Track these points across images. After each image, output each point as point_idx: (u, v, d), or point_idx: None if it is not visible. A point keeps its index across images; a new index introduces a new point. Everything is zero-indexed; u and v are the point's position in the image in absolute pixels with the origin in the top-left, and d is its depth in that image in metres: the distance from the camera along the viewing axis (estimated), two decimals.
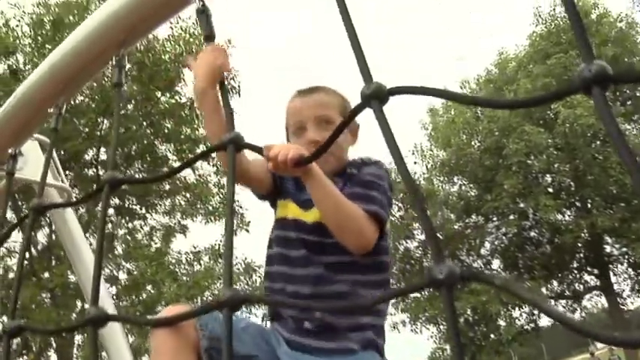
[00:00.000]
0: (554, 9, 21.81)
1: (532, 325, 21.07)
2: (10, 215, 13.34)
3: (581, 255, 21.24)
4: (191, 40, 14.78)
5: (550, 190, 20.57)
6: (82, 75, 1.24)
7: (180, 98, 15.60)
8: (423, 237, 22.81)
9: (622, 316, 20.24)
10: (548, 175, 20.77)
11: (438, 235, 21.87)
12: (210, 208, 16.07)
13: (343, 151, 1.86)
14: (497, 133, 20.64)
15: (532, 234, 21.66)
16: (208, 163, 15.27)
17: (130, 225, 16.52)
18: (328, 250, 1.67)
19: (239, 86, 15.59)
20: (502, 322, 20.04)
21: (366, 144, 2.01)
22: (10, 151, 1.48)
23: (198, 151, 14.69)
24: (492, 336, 20.25)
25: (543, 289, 20.99)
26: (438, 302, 18.64)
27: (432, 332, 22.02)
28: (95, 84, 13.16)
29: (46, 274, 13.95)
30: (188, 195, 16.30)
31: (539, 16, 22.29)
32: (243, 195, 12.17)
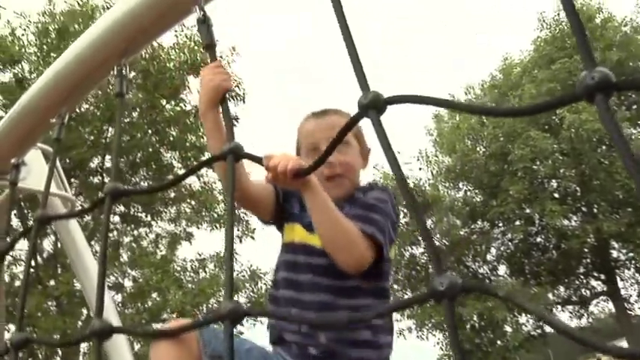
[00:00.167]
0: (558, 14, 21.79)
1: (539, 331, 20.97)
2: (15, 223, 13.39)
3: (588, 260, 21.16)
4: (196, 48, 14.82)
5: (556, 195, 20.50)
6: (84, 84, 1.24)
7: (185, 106, 15.64)
8: None
9: (629, 321, 20.13)
10: (553, 181, 20.70)
11: (444, 241, 21.89)
12: (216, 215, 16.08)
13: (357, 175, 1.86)
14: (503, 138, 20.60)
15: (538, 239, 21.59)
16: (213, 171, 15.28)
17: (135, 232, 16.56)
18: (334, 274, 1.65)
19: (244, 94, 15.62)
20: (508, 329, 19.94)
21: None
22: (13, 160, 1.48)
23: (204, 158, 14.71)
24: (499, 342, 20.14)
25: (550, 295, 20.91)
26: (443, 309, 18.57)
27: (439, 339, 21.92)
28: (100, 92, 13.20)
29: (52, 282, 13.97)
30: (193, 202, 16.32)
31: (544, 21, 22.27)
32: None
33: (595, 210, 20.13)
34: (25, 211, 14.05)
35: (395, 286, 22.19)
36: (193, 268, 15.71)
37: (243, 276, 15.71)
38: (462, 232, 22.07)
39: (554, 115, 19.94)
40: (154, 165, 15.92)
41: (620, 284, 20.82)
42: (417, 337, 21.79)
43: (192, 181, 15.84)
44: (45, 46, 14.61)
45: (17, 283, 13.12)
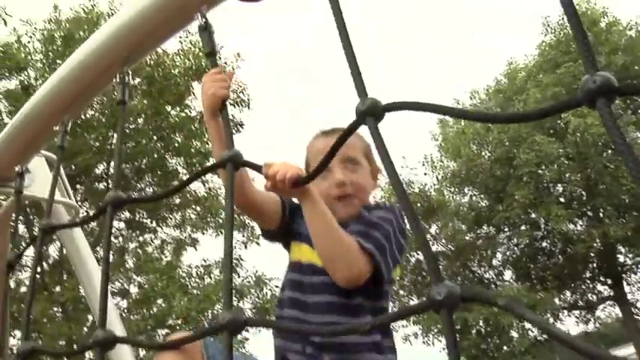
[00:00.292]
0: (562, 18, 21.73)
1: (545, 336, 20.85)
2: (21, 229, 13.42)
3: (594, 265, 21.06)
4: (200, 54, 14.85)
5: (562, 200, 20.43)
6: (87, 92, 1.24)
7: (190, 112, 15.67)
8: (434, 248, 22.72)
9: (636, 326, 20.00)
10: (559, 185, 20.64)
11: (449, 246, 21.84)
12: (221, 221, 16.07)
13: (367, 195, 1.84)
14: (508, 143, 20.56)
15: (544, 244, 21.50)
16: (218, 176, 15.30)
17: (140, 238, 16.57)
18: (339, 292, 1.64)
19: (248, 99, 15.65)
20: (515, 334, 19.82)
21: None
22: (17, 168, 1.48)
23: (209, 164, 14.73)
24: (505, 348, 20.04)
25: (556, 300, 20.80)
26: None
27: (444, 345, 21.83)
28: (105, 98, 13.25)
29: (58, 288, 13.99)
30: (198, 208, 16.33)
31: (548, 25, 22.23)
32: None
33: (601, 214, 20.05)
34: (31, 217, 14.08)
35: (401, 292, 22.15)
36: (199, 274, 15.70)
37: (249, 282, 15.70)
38: (467, 237, 22.00)
39: (559, 119, 19.89)
40: (159, 171, 15.95)
41: (627, 289, 20.72)
42: (423, 342, 21.73)
43: (198, 187, 15.87)
44: (51, 53, 14.68)
45: (23, 289, 13.13)
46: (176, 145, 15.74)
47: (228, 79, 1.46)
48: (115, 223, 15.56)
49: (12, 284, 14.62)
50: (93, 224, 14.00)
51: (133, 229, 16.29)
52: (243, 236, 16.27)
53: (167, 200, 15.37)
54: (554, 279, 21.05)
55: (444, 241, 22.33)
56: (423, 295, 21.63)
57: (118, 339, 0.82)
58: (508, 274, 22.28)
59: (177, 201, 15.87)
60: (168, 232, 16.74)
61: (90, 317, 13.65)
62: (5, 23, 14.23)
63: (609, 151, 19.37)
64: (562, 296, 21.54)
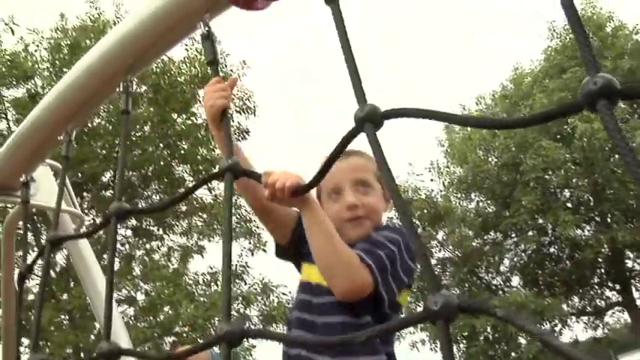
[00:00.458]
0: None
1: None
2: (29, 236, 13.43)
3: (602, 270, 20.96)
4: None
5: (569, 205, 20.36)
6: (92, 100, 1.24)
7: (196, 119, 15.71)
8: (441, 255, 22.67)
9: None
10: (566, 191, 20.56)
11: (457, 252, 21.76)
12: None
13: (379, 217, 1.81)
14: (514, 148, 20.51)
15: (551, 250, 21.41)
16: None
17: (147, 246, 16.59)
18: (348, 311, 1.62)
19: (254, 106, 15.67)
20: (523, 340, 19.73)
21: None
22: (22, 178, 1.48)
23: (215, 171, 14.72)
24: (513, 354, 19.94)
25: (564, 306, 20.69)
26: (457, 320, 18.42)
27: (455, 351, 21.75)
28: (112, 106, 13.30)
29: (65, 296, 14.00)
30: (205, 215, 16.34)
31: (554, 30, 22.19)
32: None
33: (609, 219, 19.96)
34: (38, 225, 14.11)
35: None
36: (205, 281, 15.70)
37: (255, 289, 15.68)
38: (474, 243, 21.93)
39: (565, 124, 19.84)
40: (166, 178, 15.98)
41: (636, 294, 20.59)
42: (431, 349, 21.64)
43: (204, 194, 15.89)
44: (57, 62, 14.77)
45: (30, 296, 13.16)
46: (182, 152, 15.78)
47: (228, 89, 1.45)
48: (122, 231, 15.59)
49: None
50: (100, 232, 14.02)
51: (140, 237, 16.31)
52: (250, 243, 16.27)
53: (173, 208, 15.39)
54: (562, 285, 20.95)
55: (451, 247, 22.27)
56: None
57: (123, 351, 0.81)
58: (516, 280, 22.20)
59: (184, 208, 15.89)
60: (175, 239, 16.77)
61: (97, 325, 13.66)
62: (13, 32, 14.36)
63: (616, 156, 19.28)
64: (570, 302, 21.42)
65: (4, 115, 14.58)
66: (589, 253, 19.25)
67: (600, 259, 20.24)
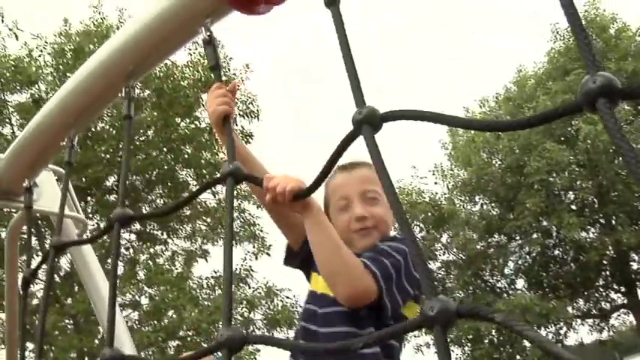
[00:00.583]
0: None
1: (559, 345, 20.66)
2: (33, 241, 13.47)
3: (607, 273, 20.88)
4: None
5: (573, 207, 20.31)
6: (94, 105, 1.24)
7: (200, 123, 15.71)
8: (445, 257, 22.64)
9: None
10: (571, 193, 20.51)
11: (461, 255, 21.72)
12: None
13: (388, 228, 1.80)
14: (518, 151, 20.48)
15: (556, 252, 21.36)
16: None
17: (151, 250, 16.59)
18: (350, 323, 1.61)
19: (258, 110, 15.66)
20: (528, 343, 19.68)
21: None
22: (25, 184, 1.49)
23: (219, 175, 14.71)
24: (518, 357, 19.90)
25: (569, 308, 20.62)
26: (462, 323, 18.40)
27: (457, 354, 21.69)
28: (115, 111, 13.32)
29: (69, 300, 14.01)
30: (209, 219, 16.33)
31: (557, 32, 22.16)
32: (265, 219, 12.15)
33: (613, 222, 19.90)
34: (42, 230, 14.14)
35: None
36: (209, 285, 15.68)
37: (259, 293, 15.65)
38: (478, 246, 21.89)
39: (569, 126, 19.81)
40: (170, 183, 15.99)
41: None
42: (435, 352, 21.59)
43: (208, 198, 15.88)
44: (61, 67, 14.80)
45: (34, 301, 13.17)
46: (186, 156, 15.79)
47: (229, 94, 1.45)
48: (126, 235, 15.60)
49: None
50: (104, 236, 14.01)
51: (144, 241, 16.31)
52: (254, 247, 16.26)
53: (177, 212, 15.39)
54: (566, 287, 20.88)
55: (455, 250, 22.23)
56: None
57: (126, 357, 0.81)
58: (520, 283, 22.14)
59: (188, 212, 15.89)
60: (179, 243, 16.77)
61: (101, 329, 13.64)
62: (17, 38, 14.40)
63: (620, 158, 19.21)
64: (575, 304, 21.35)
65: (8, 120, 14.61)
66: (594, 256, 19.19)
67: (605, 262, 20.17)
